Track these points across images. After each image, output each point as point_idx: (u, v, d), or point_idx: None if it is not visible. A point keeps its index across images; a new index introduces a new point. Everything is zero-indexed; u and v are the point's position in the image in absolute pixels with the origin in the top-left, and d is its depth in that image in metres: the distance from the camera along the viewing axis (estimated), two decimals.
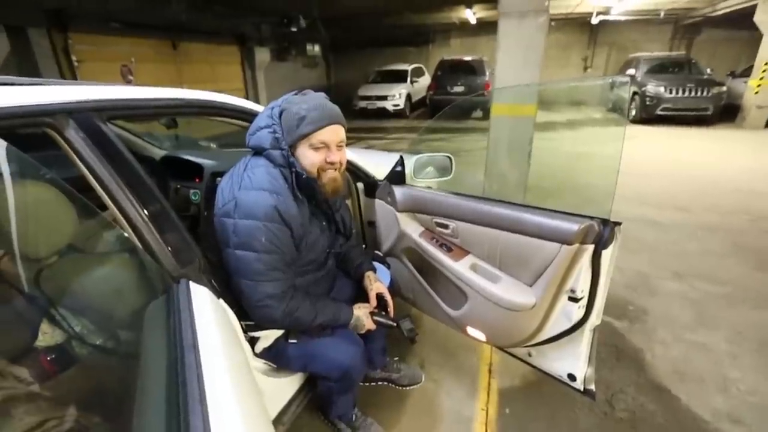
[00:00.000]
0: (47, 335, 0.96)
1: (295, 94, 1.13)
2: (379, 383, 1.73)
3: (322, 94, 1.14)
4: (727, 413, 1.59)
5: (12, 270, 1.00)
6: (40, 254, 0.91)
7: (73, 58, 6.28)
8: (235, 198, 1.05)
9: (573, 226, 1.09)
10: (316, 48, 12.18)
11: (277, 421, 1.26)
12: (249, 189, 1.05)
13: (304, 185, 1.10)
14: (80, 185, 0.99)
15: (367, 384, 1.72)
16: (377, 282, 1.40)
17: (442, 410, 1.63)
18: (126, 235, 0.89)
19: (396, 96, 10.04)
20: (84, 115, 0.85)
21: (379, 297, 1.37)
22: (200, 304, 0.89)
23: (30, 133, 0.83)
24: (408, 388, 1.72)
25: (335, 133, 1.10)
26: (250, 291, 1.04)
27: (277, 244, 1.04)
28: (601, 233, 1.09)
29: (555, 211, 1.17)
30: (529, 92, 3.27)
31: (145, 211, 0.88)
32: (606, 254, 1.11)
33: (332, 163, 1.11)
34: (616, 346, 1.97)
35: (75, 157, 0.83)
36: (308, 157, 1.09)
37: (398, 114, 10.09)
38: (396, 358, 1.79)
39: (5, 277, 1.01)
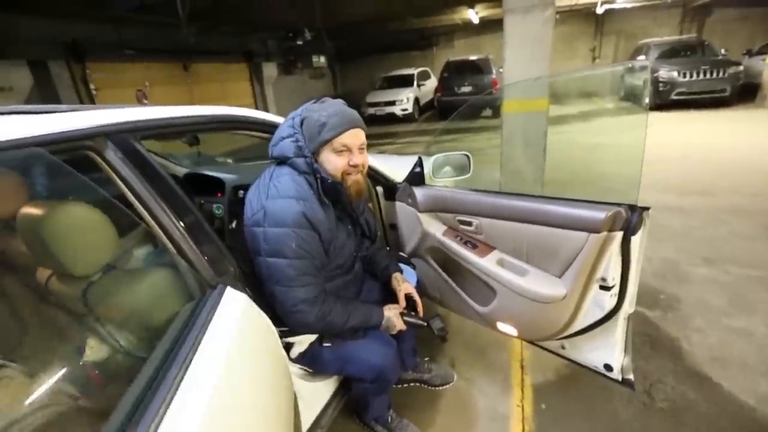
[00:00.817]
0: (93, 350, 1.00)
1: (314, 102, 1.16)
2: (411, 384, 1.73)
3: (341, 101, 1.17)
4: None
5: (59, 288, 1.05)
6: (85, 272, 0.95)
7: (92, 86, 6.54)
8: (264, 207, 1.08)
9: (600, 214, 1.08)
10: (322, 59, 12.34)
11: (315, 425, 1.27)
12: (276, 198, 1.08)
13: (329, 190, 1.12)
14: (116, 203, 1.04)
15: (400, 386, 1.72)
16: (405, 282, 1.41)
17: (476, 408, 1.62)
18: (164, 247, 0.92)
19: (404, 100, 10.09)
20: (120, 136, 0.89)
21: (408, 297, 1.38)
22: (238, 307, 0.92)
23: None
24: (440, 388, 1.72)
25: (356, 136, 1.12)
26: (283, 297, 1.07)
27: (307, 249, 1.06)
28: (629, 219, 1.08)
29: (580, 201, 1.16)
30: (540, 86, 3.25)
31: (181, 224, 0.92)
32: (635, 240, 1.10)
33: (355, 166, 1.13)
34: (649, 336, 1.93)
35: (114, 176, 0.87)
36: (332, 162, 1.11)
37: (407, 118, 10.12)
38: (426, 359, 1.79)
39: (53, 295, 1.07)
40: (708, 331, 1.94)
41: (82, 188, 1.03)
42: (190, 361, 0.72)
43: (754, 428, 1.43)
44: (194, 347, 0.75)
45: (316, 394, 1.31)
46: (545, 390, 1.69)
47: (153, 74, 7.79)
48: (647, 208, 1.09)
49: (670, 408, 1.54)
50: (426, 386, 1.73)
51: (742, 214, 3.17)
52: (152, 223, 0.90)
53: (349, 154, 1.13)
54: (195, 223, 0.95)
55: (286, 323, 1.11)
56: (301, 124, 1.13)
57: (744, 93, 8.03)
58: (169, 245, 0.91)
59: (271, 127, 1.28)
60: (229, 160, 3.01)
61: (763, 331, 1.89)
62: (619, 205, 1.09)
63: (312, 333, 1.20)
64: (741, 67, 8.03)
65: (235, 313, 0.91)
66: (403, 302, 1.36)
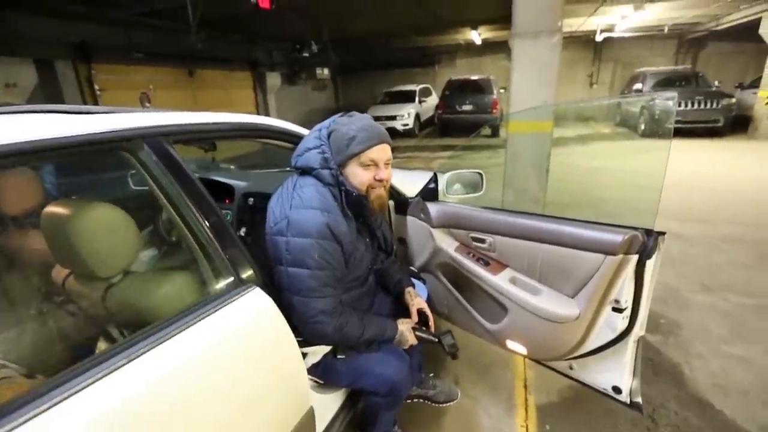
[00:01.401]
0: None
1: (342, 116, 1.18)
2: (415, 400, 1.72)
3: (367, 116, 1.19)
4: None
5: (77, 288, 1.05)
6: (109, 273, 0.95)
7: (96, 87, 6.55)
8: (287, 217, 1.09)
9: (617, 237, 1.10)
10: (326, 71, 12.52)
11: None
12: (300, 208, 1.09)
13: (353, 203, 1.14)
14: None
15: (404, 401, 1.70)
16: (417, 297, 1.41)
17: (480, 427, 1.61)
18: (191, 248, 0.93)
19: (405, 116, 10.23)
20: (155, 139, 0.91)
21: (420, 312, 1.39)
22: (261, 307, 0.92)
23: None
24: (444, 405, 1.70)
25: (383, 151, 1.14)
26: (303, 307, 1.07)
27: (329, 260, 1.07)
28: (646, 243, 1.10)
29: (596, 223, 1.19)
30: (546, 110, 3.32)
31: (207, 225, 0.92)
32: (650, 264, 1.12)
33: (381, 180, 1.15)
34: (651, 360, 1.94)
35: (148, 177, 0.88)
36: (358, 176, 1.13)
37: (407, 133, 10.24)
38: (431, 375, 1.78)
39: (70, 295, 1.06)
40: (709, 357, 1.96)
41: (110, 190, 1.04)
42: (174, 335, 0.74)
43: None
44: (187, 325, 0.77)
45: (325, 406, 1.30)
46: (549, 411, 1.68)
47: (158, 78, 7.82)
48: (663, 233, 1.12)
49: None
50: (430, 402, 1.71)
51: (738, 242, 3.23)
52: (180, 224, 0.91)
53: (375, 169, 1.14)
54: (220, 226, 0.96)
55: (302, 334, 1.11)
56: (328, 136, 1.14)
57: (736, 124, 8.27)
58: (195, 246, 0.92)
59: (295, 137, 1.30)
60: (232, 167, 3.03)
61: (763, 361, 1.91)
62: (635, 228, 1.12)
63: (327, 344, 1.20)
64: (734, 99, 8.29)
65: (255, 311, 0.91)
66: (415, 317, 1.36)
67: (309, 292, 1.06)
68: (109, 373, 0.64)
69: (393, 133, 10.08)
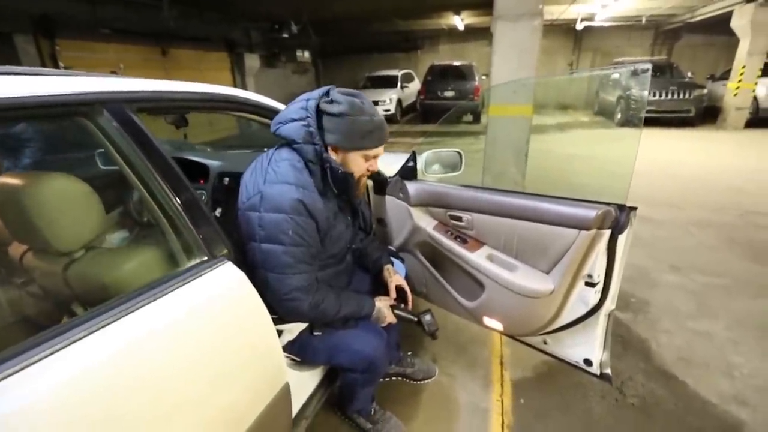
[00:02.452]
0: None
1: (348, 96, 1.09)
2: (394, 378, 1.74)
3: (370, 101, 1.14)
4: (733, 396, 1.64)
5: (36, 264, 0.99)
6: (69, 247, 0.90)
7: (61, 64, 6.20)
8: (261, 192, 1.05)
9: (591, 212, 1.12)
10: (306, 54, 12.24)
11: (300, 415, 1.25)
12: (274, 183, 1.05)
13: (340, 180, 1.12)
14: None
15: (382, 379, 1.72)
16: (396, 275, 1.41)
17: (458, 402, 1.65)
18: (158, 222, 0.89)
19: (387, 101, 10.12)
20: (116, 105, 0.85)
21: (398, 290, 1.39)
22: (233, 281, 0.89)
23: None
24: (423, 382, 1.73)
25: (382, 148, 1.17)
26: (277, 284, 1.04)
27: (303, 236, 1.05)
28: (618, 218, 1.13)
29: (572, 199, 1.20)
30: (526, 92, 3.34)
31: (178, 200, 0.88)
32: (622, 239, 1.15)
33: (371, 171, 1.18)
34: (621, 336, 2.02)
35: (110, 145, 0.83)
36: (359, 164, 1.14)
37: (389, 119, 10.15)
38: (409, 353, 1.80)
39: (28, 272, 1.01)
40: (674, 332, 2.05)
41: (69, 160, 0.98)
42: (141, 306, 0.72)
43: (716, 424, 1.52)
44: (153, 297, 0.74)
45: (302, 384, 1.29)
46: (524, 386, 1.73)
47: (128, 57, 7.47)
48: (635, 208, 1.14)
49: (641, 404, 1.61)
50: (408, 380, 1.73)
51: (706, 226, 3.37)
52: (147, 196, 0.87)
53: (372, 161, 1.17)
54: (191, 200, 0.92)
55: (277, 311, 1.09)
56: (317, 110, 1.08)
57: (706, 115, 8.55)
58: (164, 221, 0.88)
59: (271, 113, 1.25)
60: (208, 149, 2.94)
61: (724, 335, 2.01)
62: (608, 204, 1.14)
63: (303, 322, 1.18)
64: (705, 90, 8.56)
65: (227, 286, 0.88)
66: (394, 294, 1.36)
67: (283, 268, 1.04)
68: (66, 346, 0.61)
69: None
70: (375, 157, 1.17)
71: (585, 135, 8.36)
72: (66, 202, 0.88)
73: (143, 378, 0.68)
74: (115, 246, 1.21)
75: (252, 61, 10.31)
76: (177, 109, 1.12)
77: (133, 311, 0.71)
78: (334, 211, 1.17)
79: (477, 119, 9.43)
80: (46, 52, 5.99)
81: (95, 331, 0.65)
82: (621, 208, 1.14)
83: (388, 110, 10.12)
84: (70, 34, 6.24)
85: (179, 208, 0.88)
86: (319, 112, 1.09)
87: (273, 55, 11.25)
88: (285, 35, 9.00)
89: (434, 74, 10.05)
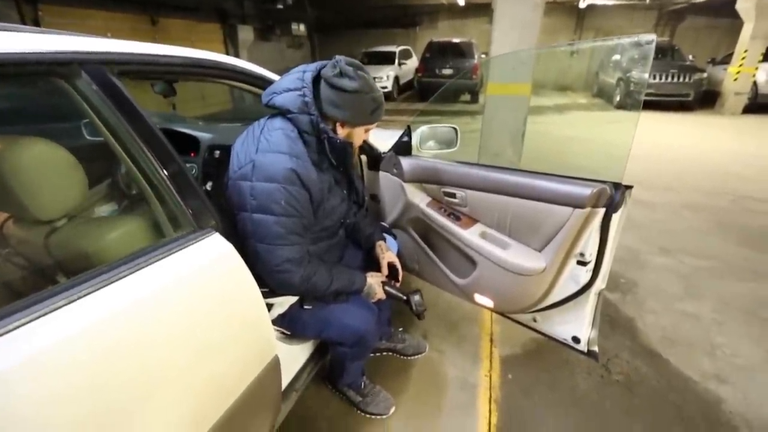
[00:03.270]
0: None
1: (351, 66, 1.05)
2: (384, 353, 1.76)
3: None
4: (714, 374, 1.68)
5: (17, 233, 0.96)
6: (50, 215, 0.87)
7: None
8: (253, 160, 1.02)
9: (586, 191, 1.11)
10: (302, 27, 11.87)
11: (290, 388, 1.26)
12: (267, 151, 1.03)
13: (339, 149, 1.10)
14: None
15: (373, 354, 1.74)
16: (388, 251, 1.40)
17: (447, 378, 1.67)
18: (142, 192, 0.86)
19: (384, 78, 9.90)
20: (95, 66, 0.81)
21: (390, 266, 1.38)
22: (219, 252, 0.88)
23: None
24: (413, 357, 1.75)
25: None
26: (268, 255, 1.03)
27: (296, 207, 1.03)
28: (613, 196, 1.11)
29: (567, 177, 1.19)
30: (525, 71, 3.27)
31: (162, 169, 0.85)
32: (616, 217, 1.14)
33: (366, 142, 1.24)
34: (609, 316, 2.05)
35: (88, 108, 0.79)
36: (360, 137, 1.16)
37: (386, 96, 9.92)
38: (401, 329, 1.81)
39: (8, 240, 0.98)
40: (661, 313, 2.08)
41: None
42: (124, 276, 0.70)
43: (697, 399, 1.56)
44: (136, 267, 0.73)
45: (293, 357, 1.30)
46: (512, 362, 1.76)
47: (116, 25, 7.20)
48: (630, 187, 1.13)
49: (625, 381, 1.65)
50: (399, 356, 1.75)
51: (698, 210, 3.39)
52: (130, 164, 0.83)
53: (369, 132, 1.20)
54: (177, 169, 0.89)
55: (268, 283, 1.08)
56: (313, 81, 1.05)
57: (705, 99, 8.49)
58: (148, 189, 0.85)
59: (264, 82, 1.21)
60: (200, 123, 2.87)
61: (709, 316, 2.05)
62: (604, 182, 1.12)
63: (294, 294, 1.18)
64: (705, 74, 8.47)
65: (214, 257, 0.87)
66: (385, 270, 1.36)
67: (274, 239, 1.02)
68: (45, 314, 0.59)
69: None
70: (371, 129, 1.20)
71: (584, 117, 8.28)
72: (46, 168, 0.84)
73: (126, 347, 0.67)
74: (114, 208, 1.19)
75: (245, 33, 9.99)
76: (163, 74, 1.07)
77: (115, 281, 0.69)
78: (329, 184, 1.15)
79: (475, 99, 9.28)
80: (28, 17, 5.75)
81: (76, 299, 0.63)
82: (616, 186, 1.13)
83: (385, 87, 9.91)
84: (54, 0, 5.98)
85: (164, 176, 0.85)
86: (316, 84, 1.06)
87: (267, 28, 10.90)
88: (279, 6, 8.69)
89: (433, 51, 9.81)
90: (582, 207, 1.12)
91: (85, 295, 0.65)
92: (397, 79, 10.31)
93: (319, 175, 1.09)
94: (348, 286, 1.21)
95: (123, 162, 0.84)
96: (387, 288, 1.33)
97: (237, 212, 1.05)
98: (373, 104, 1.08)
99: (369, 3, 11.66)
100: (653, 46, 1.14)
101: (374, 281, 1.29)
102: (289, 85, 1.06)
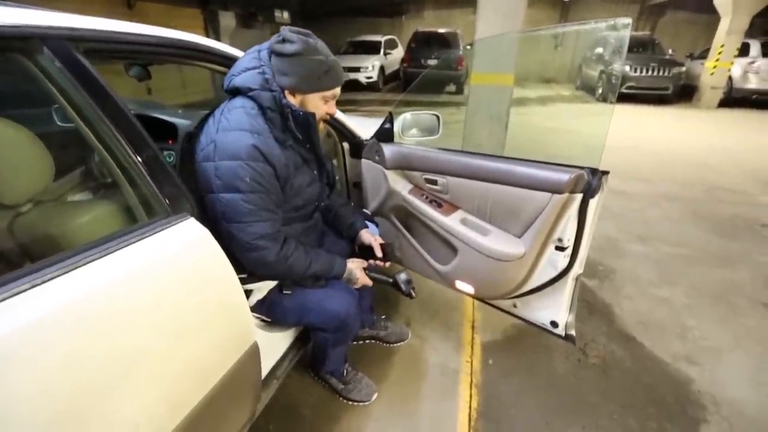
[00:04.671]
0: None
1: (300, 34, 1.03)
2: (367, 341, 1.76)
3: (321, 42, 1.08)
4: (684, 356, 1.74)
5: None
6: (13, 200, 0.84)
7: None
8: (214, 140, 1.01)
9: (564, 176, 1.12)
10: (285, 15, 11.62)
11: (270, 376, 1.26)
12: (228, 130, 1.01)
13: (302, 122, 1.08)
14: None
15: (356, 342, 1.74)
16: (375, 235, 1.41)
17: (428, 364, 1.69)
18: (112, 175, 0.83)
19: (369, 68, 9.82)
20: (58, 42, 0.77)
21: (382, 247, 1.38)
22: (194, 237, 0.86)
23: None
24: (395, 345, 1.76)
25: (339, 89, 1.13)
26: (240, 234, 1.01)
27: (262, 182, 1.01)
28: (590, 182, 1.13)
29: (546, 163, 1.20)
30: (508, 61, 3.28)
31: (133, 151, 0.82)
32: (593, 203, 1.16)
33: (329, 115, 1.15)
34: (587, 302, 2.10)
35: (52, 87, 0.75)
36: (319, 108, 1.11)
37: (371, 86, 9.90)
38: (383, 317, 1.82)
39: None
40: (637, 298, 2.14)
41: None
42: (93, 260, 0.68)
43: (668, 379, 1.62)
44: (106, 251, 0.70)
45: (273, 344, 1.29)
46: (493, 348, 1.79)
47: (88, 9, 6.81)
48: (607, 172, 1.15)
49: (601, 364, 1.70)
50: (381, 343, 1.76)
51: (674, 200, 3.49)
52: (99, 146, 0.80)
53: (330, 104, 1.14)
54: (149, 151, 0.86)
55: (244, 264, 1.05)
56: (269, 56, 1.05)
57: (682, 93, 8.71)
58: (118, 172, 0.82)
59: (233, 62, 1.18)
60: (180, 111, 2.79)
61: (682, 301, 2.12)
62: (582, 168, 1.14)
63: (272, 276, 1.16)
64: (683, 68, 8.67)
65: (188, 241, 0.85)
66: (379, 252, 1.36)
67: (244, 216, 1.01)
68: (5, 299, 0.57)
69: (356, 85, 9.72)
70: (333, 98, 1.14)
71: (566, 108, 8.39)
72: (6, 150, 0.80)
73: (95, 331, 0.65)
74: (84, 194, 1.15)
75: (227, 19, 9.73)
76: (134, 54, 1.02)
77: (82, 265, 0.67)
78: (295, 162, 1.13)
79: (460, 89, 9.28)
80: None
81: (40, 283, 0.61)
82: (593, 172, 1.14)
83: (370, 77, 9.84)
84: None
85: (135, 160, 0.82)
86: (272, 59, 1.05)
87: (249, 15, 10.63)
88: None
89: (418, 41, 9.76)
90: (560, 192, 1.13)
91: (49, 279, 0.62)
92: (382, 68, 10.24)
93: (284, 151, 1.07)
94: (327, 270, 1.20)
95: (91, 145, 0.81)
96: (372, 274, 1.33)
97: (205, 194, 1.03)
98: (321, 67, 1.05)
99: None
100: (629, 30, 1.15)
101: (355, 266, 1.28)
102: (246, 64, 1.06)
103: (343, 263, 1.24)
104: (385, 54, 10.59)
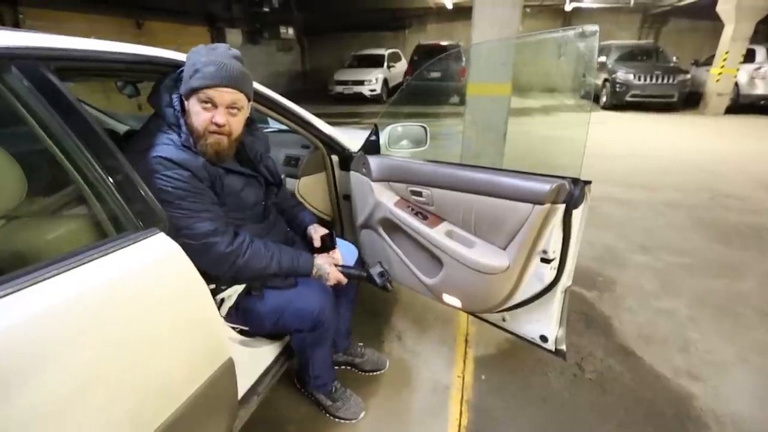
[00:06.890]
0: None
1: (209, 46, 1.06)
2: (342, 367, 1.69)
3: (235, 52, 1.06)
4: (686, 371, 1.68)
5: None
6: None
7: None
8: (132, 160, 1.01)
9: (545, 186, 1.10)
10: (290, 31, 11.86)
11: (251, 392, 1.23)
12: (138, 151, 1.02)
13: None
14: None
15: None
16: (319, 227, 1.43)
17: (420, 380, 1.65)
18: (81, 193, 0.83)
19: (373, 81, 9.94)
20: (28, 62, 0.78)
21: (324, 239, 1.37)
22: (163, 251, 0.85)
23: None
24: (370, 373, 1.68)
25: (225, 94, 1.02)
26: (190, 241, 1.00)
27: (184, 187, 1.01)
28: (572, 192, 1.11)
29: (528, 173, 1.18)
30: (505, 71, 3.28)
31: (101, 167, 0.82)
32: (577, 213, 1.13)
33: (219, 126, 1.03)
34: (585, 314, 2.04)
35: (21, 107, 0.76)
36: (198, 114, 1.03)
37: (375, 99, 9.99)
38: (360, 344, 1.73)
39: None
40: (638, 311, 2.08)
41: None
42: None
43: (668, 396, 1.56)
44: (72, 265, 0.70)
45: (254, 359, 1.27)
46: (486, 363, 1.75)
47: (100, 29, 7.11)
48: (589, 182, 1.12)
49: (598, 379, 1.64)
50: (356, 371, 1.69)
51: (677, 207, 3.42)
52: (67, 164, 0.81)
53: (213, 111, 1.03)
54: (119, 168, 0.86)
55: (205, 269, 1.01)
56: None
57: (688, 100, 8.62)
58: (87, 190, 0.82)
59: None
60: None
61: (685, 312, 2.06)
62: (563, 178, 1.12)
63: (237, 279, 1.15)
64: (689, 76, 8.61)
65: (157, 256, 0.84)
66: (318, 243, 1.36)
67: (187, 221, 1.01)
68: None
69: (360, 98, 9.83)
70: (212, 103, 1.02)
71: (569, 117, 8.35)
72: None
73: (54, 347, 0.64)
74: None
75: (234, 36, 9.96)
76: (107, 72, 1.04)
77: (41, 280, 0.66)
78: (216, 171, 1.10)
79: (462, 100, 9.28)
80: (8, 19, 5.67)
81: None
82: (575, 182, 1.12)
83: (374, 90, 9.95)
84: (35, 2, 5.90)
85: (103, 176, 0.82)
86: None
87: (256, 31, 10.88)
88: (266, 9, 8.67)
89: (421, 54, 9.88)
90: (541, 203, 1.11)
91: (9, 294, 0.62)
92: (386, 81, 10.34)
93: (197, 158, 1.05)
94: (294, 266, 1.19)
95: (60, 162, 0.81)
96: (345, 270, 1.31)
97: None
98: (197, 65, 0.99)
99: (358, 6, 11.69)
100: (597, 37, 1.13)
101: (323, 261, 1.27)
102: (161, 84, 1.08)
103: (310, 257, 1.24)
104: (389, 67, 10.72)
